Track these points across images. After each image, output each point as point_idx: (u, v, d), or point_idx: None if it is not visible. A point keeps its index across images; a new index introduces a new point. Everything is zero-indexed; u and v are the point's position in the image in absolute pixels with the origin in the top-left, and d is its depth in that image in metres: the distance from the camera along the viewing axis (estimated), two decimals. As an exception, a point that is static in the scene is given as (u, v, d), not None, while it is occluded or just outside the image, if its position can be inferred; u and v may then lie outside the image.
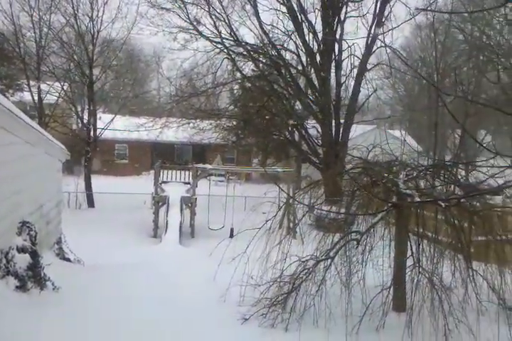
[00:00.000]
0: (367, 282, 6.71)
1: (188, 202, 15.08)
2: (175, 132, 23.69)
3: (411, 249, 6.57)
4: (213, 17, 19.17)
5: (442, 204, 6.30)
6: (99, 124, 20.52)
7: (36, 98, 19.49)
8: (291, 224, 12.68)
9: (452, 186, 7.20)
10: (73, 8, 19.13)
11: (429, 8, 15.98)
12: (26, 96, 20.54)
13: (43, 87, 19.65)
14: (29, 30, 19.75)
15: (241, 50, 20.00)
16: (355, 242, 6.58)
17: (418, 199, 6.52)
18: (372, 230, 6.78)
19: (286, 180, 15.28)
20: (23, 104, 20.09)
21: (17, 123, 6.43)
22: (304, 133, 19.67)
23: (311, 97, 19.75)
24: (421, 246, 6.46)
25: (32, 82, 19.56)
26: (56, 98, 20.06)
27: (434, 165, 8.05)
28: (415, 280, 6.02)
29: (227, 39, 19.43)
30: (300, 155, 21.20)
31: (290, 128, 20.91)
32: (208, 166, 16.36)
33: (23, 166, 7.03)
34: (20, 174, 6.80)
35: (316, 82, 19.29)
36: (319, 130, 19.38)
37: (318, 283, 6.17)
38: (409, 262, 6.44)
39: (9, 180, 6.25)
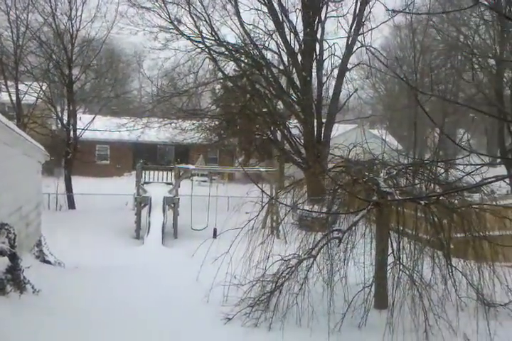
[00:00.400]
0: (349, 280, 6.77)
1: (171, 203, 15.02)
2: (157, 132, 23.53)
3: (392, 247, 6.65)
4: (194, 16, 19.10)
5: (422, 202, 6.40)
6: (80, 125, 20.29)
7: (14, 98, 19.18)
8: (275, 224, 12.73)
9: (432, 184, 7.30)
10: (51, 7, 18.94)
11: (406, 9, 16.14)
12: (4, 96, 20.20)
13: (21, 87, 19.34)
14: (6, 30, 19.48)
15: (222, 49, 19.96)
16: (337, 241, 6.63)
17: (398, 197, 6.60)
18: (353, 228, 6.83)
19: (269, 180, 15.33)
20: (0, 105, 19.75)
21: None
22: (286, 132, 19.72)
23: (293, 97, 19.82)
24: (401, 244, 6.54)
25: (10, 82, 19.24)
26: (35, 98, 19.77)
27: (414, 163, 8.16)
28: (396, 278, 6.09)
29: (208, 39, 19.38)
30: (283, 154, 21.26)
31: (272, 128, 20.95)
32: (191, 166, 16.34)
33: (0, 167, 6.91)
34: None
35: (297, 82, 19.37)
36: (301, 129, 19.47)
37: (301, 282, 6.20)
38: (390, 259, 6.52)
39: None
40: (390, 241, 6.71)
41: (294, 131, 20.11)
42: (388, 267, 6.50)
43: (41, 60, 20.45)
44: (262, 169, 16.25)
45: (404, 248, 6.50)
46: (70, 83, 19.56)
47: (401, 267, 6.19)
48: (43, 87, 20.05)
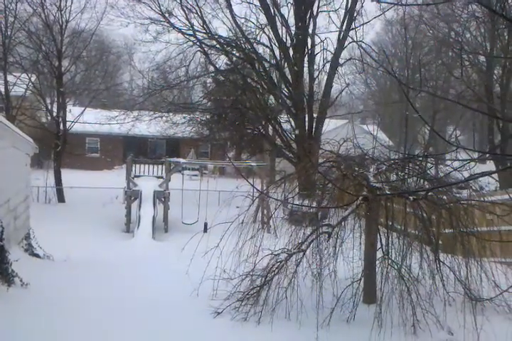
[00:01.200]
0: (338, 274, 6.81)
1: (161, 197, 14.95)
2: (148, 126, 23.35)
3: (380, 242, 6.69)
4: (185, 9, 18.92)
5: (410, 197, 6.43)
6: (70, 117, 20.09)
7: (3, 90, 18.93)
8: (265, 218, 12.75)
9: (421, 180, 7.35)
10: (41, -2, 18.60)
11: (396, 4, 16.07)
12: (-8, 87, 19.93)
13: (10, 78, 19.09)
14: (-6, 19, 19.14)
15: (214, 43, 19.83)
16: (326, 235, 6.66)
17: (387, 192, 6.63)
18: (343, 223, 6.87)
19: (260, 174, 15.32)
20: (-12, 96, 19.46)
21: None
22: (277, 127, 19.70)
23: (284, 91, 19.79)
24: (390, 239, 6.59)
25: (-2, 73, 18.98)
26: (24, 90, 19.53)
27: (403, 158, 8.20)
28: (385, 272, 6.14)
29: (199, 32, 19.23)
30: (274, 149, 21.25)
31: (264, 122, 20.91)
32: (181, 160, 16.25)
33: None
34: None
35: (289, 76, 19.33)
36: (293, 124, 19.46)
37: (290, 276, 6.23)
38: (379, 254, 6.57)
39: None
40: (379, 236, 6.76)
41: (286, 126, 20.10)
42: (377, 262, 6.55)
43: (30, 51, 20.18)
44: (253, 163, 16.24)
45: (393, 243, 6.55)
46: (60, 75, 19.32)
47: (390, 262, 6.25)
48: (32, 79, 19.80)
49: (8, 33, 19.04)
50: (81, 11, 19.50)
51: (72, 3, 19.14)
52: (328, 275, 6.66)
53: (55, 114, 19.95)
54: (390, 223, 6.72)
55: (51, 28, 19.06)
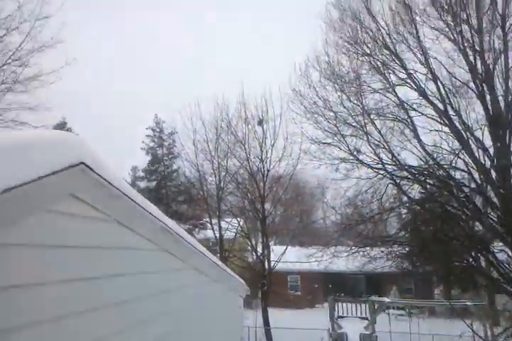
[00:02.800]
0: None
1: None
2: (345, 261, 23.14)
3: None
4: (372, 145, 19.70)
5: None
6: (272, 256, 21.23)
7: (217, 234, 21.39)
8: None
9: None
10: (246, 152, 21.73)
11: None
12: (209, 233, 22.74)
13: (222, 224, 21.63)
14: (210, 176, 22.75)
15: (405, 173, 19.78)
16: None
17: None
18: None
19: (479, 315, 13.27)
20: (206, 241, 22.18)
21: (207, 264, 6.93)
22: (490, 257, 17.46)
23: (492, 217, 17.95)
24: None
25: (213, 220, 21.75)
26: (233, 233, 21.76)
27: None
28: None
29: (388, 164, 19.52)
30: (491, 284, 18.55)
31: (473, 253, 18.84)
32: (386, 299, 15.29)
33: (212, 304, 7.35)
34: (209, 312, 7.08)
35: (495, 200, 17.67)
36: (510, 253, 17.06)
37: None
38: None
39: (201, 319, 6.51)
40: None
41: (501, 256, 17.70)
42: None
43: (238, 199, 22.96)
44: (468, 302, 14.32)
45: None
46: (263, 217, 21.17)
47: None
48: (241, 223, 22.08)
49: (221, 185, 22.24)
50: (279, 159, 21.98)
51: (271, 154, 21.86)
52: None
53: (259, 254, 21.38)
54: None
55: (255, 177, 21.68)
